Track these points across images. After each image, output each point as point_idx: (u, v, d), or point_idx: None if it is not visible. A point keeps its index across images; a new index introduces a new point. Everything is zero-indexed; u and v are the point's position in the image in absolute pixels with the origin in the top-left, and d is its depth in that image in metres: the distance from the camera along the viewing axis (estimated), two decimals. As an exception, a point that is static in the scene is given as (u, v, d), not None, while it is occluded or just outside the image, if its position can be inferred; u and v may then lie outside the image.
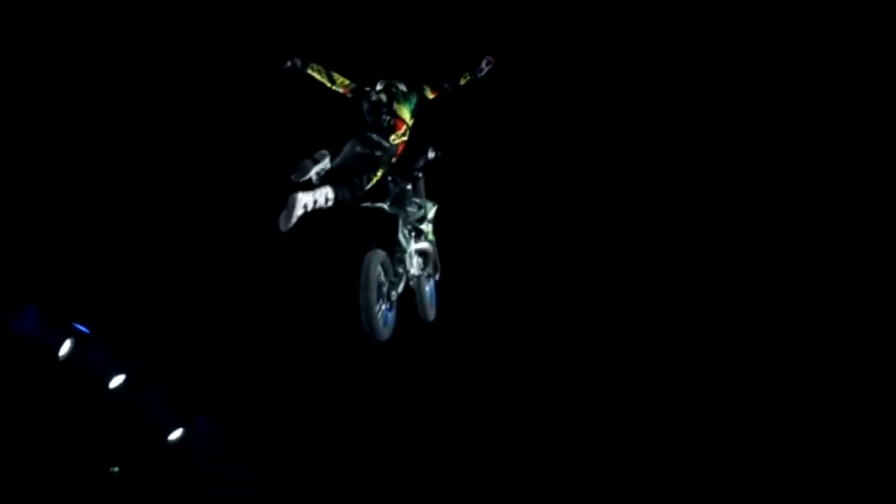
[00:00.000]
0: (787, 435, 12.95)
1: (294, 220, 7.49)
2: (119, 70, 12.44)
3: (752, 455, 13.02)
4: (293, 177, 7.54)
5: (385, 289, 8.05)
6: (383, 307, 8.01)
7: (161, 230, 13.13)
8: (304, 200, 7.53)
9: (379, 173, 7.90)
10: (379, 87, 8.20)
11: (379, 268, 7.92)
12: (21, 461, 13.08)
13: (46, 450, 13.23)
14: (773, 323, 12.89)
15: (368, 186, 7.85)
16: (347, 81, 8.28)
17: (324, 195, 7.60)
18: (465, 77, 8.28)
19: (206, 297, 13.37)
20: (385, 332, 8.05)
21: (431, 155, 8.41)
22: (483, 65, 8.27)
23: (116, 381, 13.37)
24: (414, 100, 8.24)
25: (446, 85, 8.30)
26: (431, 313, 8.78)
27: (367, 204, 8.14)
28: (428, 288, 8.67)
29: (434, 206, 8.57)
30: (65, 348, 13.04)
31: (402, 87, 8.27)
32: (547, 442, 13.39)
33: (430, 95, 8.30)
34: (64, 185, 12.79)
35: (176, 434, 13.74)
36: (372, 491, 13.44)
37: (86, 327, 13.20)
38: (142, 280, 13.19)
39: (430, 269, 8.56)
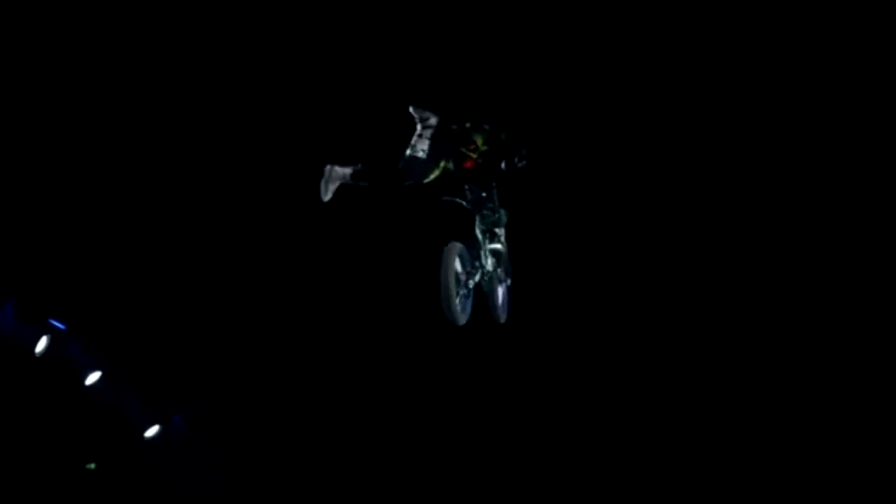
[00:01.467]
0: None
1: (332, 190, 8.11)
2: (103, 66, 12.52)
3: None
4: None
5: (463, 279, 8.57)
6: (461, 293, 8.52)
7: (138, 227, 13.16)
8: (342, 171, 8.12)
9: (439, 168, 8.36)
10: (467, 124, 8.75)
11: (457, 259, 8.44)
12: (-3, 458, 13.12)
13: (22, 446, 13.21)
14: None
15: (426, 179, 8.33)
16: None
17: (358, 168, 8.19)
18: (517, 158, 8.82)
19: (183, 294, 13.42)
20: (462, 318, 8.55)
21: (504, 166, 8.80)
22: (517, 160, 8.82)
23: (93, 377, 13.44)
24: (489, 130, 8.71)
25: (522, 150, 8.81)
26: (503, 316, 9.23)
27: (447, 198, 8.64)
28: (500, 291, 9.15)
29: (507, 213, 9.04)
30: (41, 345, 13.10)
31: (486, 126, 8.74)
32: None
33: (503, 136, 8.75)
34: (42, 181, 12.82)
35: (152, 431, 13.79)
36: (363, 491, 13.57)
37: (62, 324, 13.27)
38: (118, 276, 13.23)
39: (502, 273, 9.08)
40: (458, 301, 8.41)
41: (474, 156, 8.53)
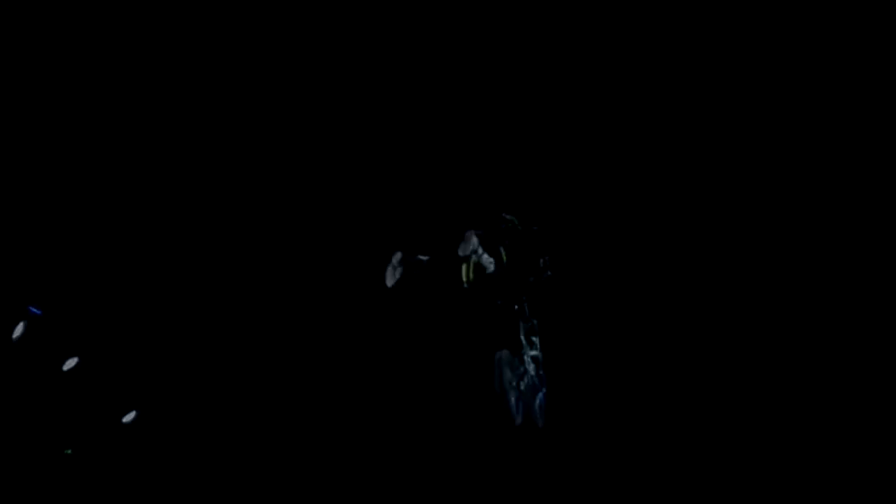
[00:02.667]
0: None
1: (397, 275, 8.80)
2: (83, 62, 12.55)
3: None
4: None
5: (514, 383, 9.42)
6: (514, 398, 9.43)
7: (117, 214, 13.21)
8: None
9: (503, 255, 9.21)
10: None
11: (507, 367, 9.38)
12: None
13: (-1, 433, 13.29)
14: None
15: (488, 265, 9.14)
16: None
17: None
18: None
19: (162, 282, 13.46)
20: (519, 417, 9.51)
21: (531, 279, 9.56)
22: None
23: (70, 363, 13.46)
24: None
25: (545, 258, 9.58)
26: (541, 421, 9.87)
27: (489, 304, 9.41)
28: (538, 398, 9.79)
29: (537, 323, 9.75)
30: (18, 330, 13.13)
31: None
32: None
33: (535, 228, 9.56)
34: (20, 171, 12.84)
35: (130, 416, 13.81)
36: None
37: (39, 309, 13.27)
38: (96, 261, 13.25)
39: (538, 380, 9.77)
40: (514, 402, 9.33)
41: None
